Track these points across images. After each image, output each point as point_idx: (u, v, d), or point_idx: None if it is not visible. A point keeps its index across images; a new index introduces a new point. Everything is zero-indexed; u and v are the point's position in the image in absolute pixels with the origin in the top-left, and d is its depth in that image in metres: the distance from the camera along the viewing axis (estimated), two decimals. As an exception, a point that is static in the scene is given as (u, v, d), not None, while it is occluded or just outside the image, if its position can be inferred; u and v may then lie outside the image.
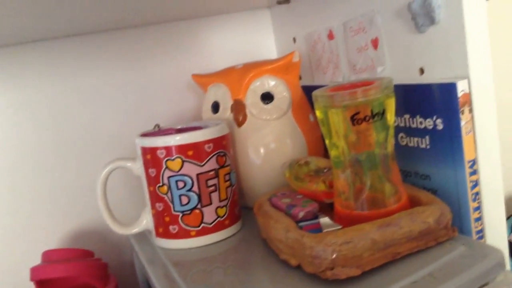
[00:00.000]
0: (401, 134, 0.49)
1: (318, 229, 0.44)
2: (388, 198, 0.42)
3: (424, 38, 0.46)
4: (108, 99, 0.66)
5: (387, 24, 0.51)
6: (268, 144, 0.57)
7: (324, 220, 0.45)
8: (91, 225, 0.67)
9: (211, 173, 0.50)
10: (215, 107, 0.60)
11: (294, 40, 0.69)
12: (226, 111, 0.58)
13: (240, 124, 0.57)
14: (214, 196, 0.51)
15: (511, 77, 0.89)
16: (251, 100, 0.57)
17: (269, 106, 0.57)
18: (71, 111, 0.65)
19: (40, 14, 0.39)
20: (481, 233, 0.44)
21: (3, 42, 0.56)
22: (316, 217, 0.46)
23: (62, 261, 0.55)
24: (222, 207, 0.51)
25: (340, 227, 0.43)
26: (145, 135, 0.52)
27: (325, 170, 0.50)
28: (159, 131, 0.54)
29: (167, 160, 0.49)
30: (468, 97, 0.42)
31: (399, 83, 0.47)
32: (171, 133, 0.53)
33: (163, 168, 0.50)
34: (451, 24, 0.43)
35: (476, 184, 0.44)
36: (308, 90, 0.64)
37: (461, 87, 0.42)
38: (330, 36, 0.60)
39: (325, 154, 0.59)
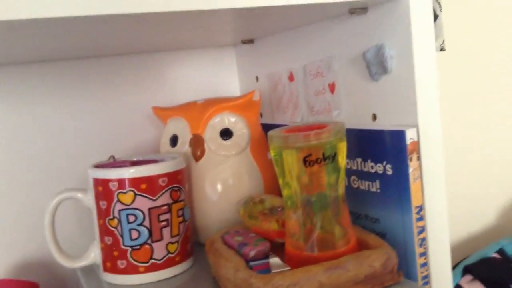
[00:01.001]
0: (353, 177, 0.50)
1: (267, 269, 0.43)
2: (338, 240, 0.43)
3: (377, 86, 0.48)
4: (64, 128, 0.65)
5: (343, 70, 0.52)
6: (225, 180, 0.57)
7: (274, 260, 0.45)
8: (37, 255, 0.64)
9: (164, 207, 0.50)
10: (174, 141, 0.60)
11: (257, 78, 0.70)
12: (184, 145, 0.58)
13: (197, 158, 0.57)
14: (166, 231, 0.50)
15: (461, 125, 0.93)
16: (210, 135, 0.58)
17: (228, 142, 0.58)
18: (24, 137, 0.63)
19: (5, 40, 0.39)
20: (426, 279, 0.45)
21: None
22: (266, 256, 0.46)
23: (2, 294, 0.52)
24: (174, 243, 0.51)
25: (289, 268, 0.43)
26: (98, 166, 0.52)
27: (279, 209, 0.51)
28: (113, 163, 0.53)
29: (119, 193, 0.49)
30: (416, 145, 0.44)
31: (353, 128, 0.49)
32: (125, 165, 0.52)
33: (115, 201, 0.49)
34: (402, 74, 0.45)
35: (422, 230, 0.45)
36: (268, 128, 0.64)
37: (410, 135, 0.43)
38: (291, 78, 0.62)
39: (281, 192, 0.60)
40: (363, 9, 0.47)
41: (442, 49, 0.81)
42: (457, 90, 0.91)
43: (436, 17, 0.80)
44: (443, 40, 0.81)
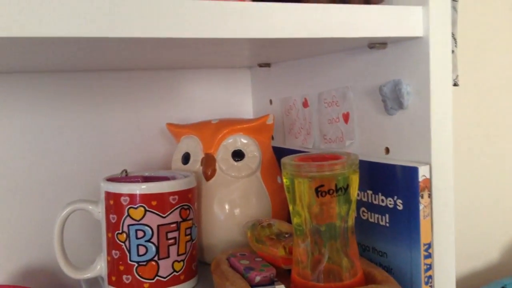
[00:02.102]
0: (362, 209, 0.50)
1: (272, 296, 0.44)
2: (345, 272, 0.43)
3: (392, 120, 0.49)
4: (78, 139, 0.66)
5: (359, 102, 0.53)
6: (234, 201, 0.57)
7: (280, 287, 0.45)
8: (42, 263, 0.64)
9: (173, 225, 0.50)
10: (186, 158, 0.60)
11: (271, 101, 0.71)
12: (196, 164, 0.59)
13: (208, 178, 0.57)
14: (173, 249, 0.50)
15: (468, 163, 0.93)
16: (222, 155, 0.58)
17: (239, 163, 0.58)
18: (38, 146, 0.64)
19: (23, 52, 0.40)
20: (430, 316, 0.45)
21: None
22: (272, 282, 0.46)
23: (5, 300, 0.53)
24: (180, 261, 0.51)
25: (294, 296, 0.43)
26: (111, 179, 0.52)
27: (286, 235, 0.51)
28: (125, 177, 0.54)
29: (129, 208, 0.49)
30: (428, 182, 0.44)
31: (365, 159, 0.49)
32: (137, 181, 0.53)
33: (125, 215, 0.49)
34: (418, 110, 0.46)
35: (430, 267, 0.45)
36: (278, 152, 0.65)
37: (422, 172, 0.44)
38: (305, 104, 0.62)
39: (289, 217, 0.60)
40: (383, 44, 0.48)
41: (455, 84, 0.82)
42: (466, 126, 0.91)
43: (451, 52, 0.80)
44: (457, 75, 0.82)
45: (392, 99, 0.47)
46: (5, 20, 0.31)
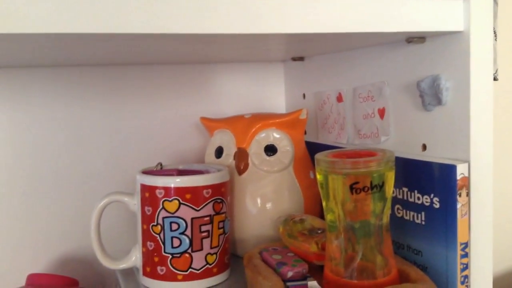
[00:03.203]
0: (397, 206, 0.49)
1: (305, 291, 0.44)
2: (379, 269, 0.43)
3: (430, 116, 0.47)
4: (114, 131, 0.67)
5: (395, 97, 0.52)
6: (266, 195, 0.57)
7: (312, 283, 0.45)
8: (79, 253, 0.66)
9: (206, 218, 0.51)
10: (219, 152, 0.61)
11: (304, 96, 0.70)
12: (229, 158, 0.59)
13: (241, 172, 0.58)
14: (206, 242, 0.51)
15: (507, 160, 0.90)
16: (255, 150, 0.58)
17: (272, 158, 0.58)
18: (76, 138, 0.66)
19: (67, 47, 0.41)
20: (466, 317, 0.44)
21: (11, 63, 0.58)
22: (304, 278, 0.46)
23: (46, 287, 0.54)
24: (212, 254, 0.51)
25: (327, 292, 0.43)
26: (146, 172, 0.53)
27: (319, 231, 0.51)
28: (160, 170, 0.55)
29: (164, 201, 0.50)
30: (466, 180, 0.43)
31: (401, 156, 0.48)
32: (172, 174, 0.54)
33: (160, 208, 0.50)
34: (457, 107, 0.45)
35: (466, 267, 0.44)
36: (311, 147, 0.65)
37: (461, 170, 0.43)
38: (339, 98, 0.62)
39: (321, 213, 0.60)
40: (421, 39, 0.47)
41: (495, 79, 0.79)
42: (507, 121, 0.89)
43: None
44: (496, 70, 0.79)
45: (430, 95, 0.46)
46: (46, 16, 0.32)
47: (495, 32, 0.78)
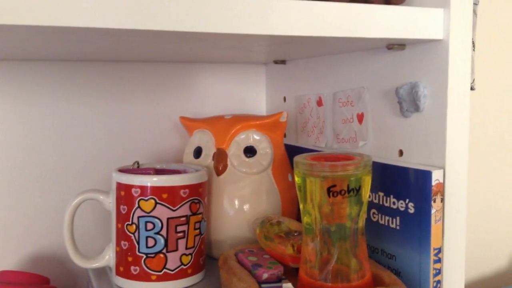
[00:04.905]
0: (373, 210, 0.50)
1: (279, 294, 0.43)
2: (353, 273, 0.43)
3: (407, 122, 0.48)
4: (91, 128, 0.66)
5: (374, 102, 0.53)
6: (244, 197, 0.57)
7: (287, 285, 0.45)
8: (52, 250, 0.65)
9: (182, 219, 0.50)
10: (198, 152, 0.60)
11: (285, 99, 0.70)
12: (207, 158, 0.59)
13: (219, 173, 0.57)
14: (181, 242, 0.50)
15: (486, 167, 0.92)
16: (234, 151, 0.58)
17: (251, 160, 0.58)
18: (51, 134, 0.64)
19: (44, 40, 0.40)
20: (438, 321, 0.45)
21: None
22: (279, 280, 0.46)
23: (17, 285, 0.53)
24: (188, 255, 0.51)
25: (301, 295, 0.43)
26: (122, 170, 0.52)
27: (295, 234, 0.51)
28: (137, 169, 0.54)
29: (140, 200, 0.49)
30: (441, 187, 0.44)
31: (378, 161, 0.49)
32: (149, 173, 0.53)
33: (135, 207, 0.49)
34: (434, 114, 0.45)
35: (439, 272, 0.44)
36: (290, 150, 0.65)
37: (436, 177, 0.43)
38: (319, 102, 0.62)
39: (299, 215, 0.60)
40: (401, 46, 0.48)
41: (472, 88, 0.81)
42: (480, 131, 0.90)
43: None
44: (474, 79, 0.81)
45: (408, 102, 0.47)
46: (26, 8, 0.31)
47: (473, 43, 0.79)
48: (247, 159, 0.58)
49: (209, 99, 0.72)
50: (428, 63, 0.46)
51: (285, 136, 0.72)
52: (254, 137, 0.59)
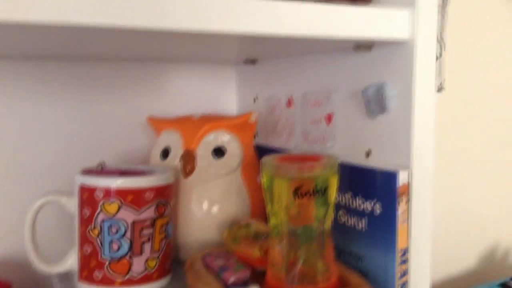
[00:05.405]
0: (341, 211, 0.50)
1: (245, 297, 0.43)
2: (319, 275, 0.42)
3: (374, 123, 0.48)
4: (55, 128, 0.64)
5: (342, 103, 0.52)
6: (212, 199, 0.56)
7: (253, 288, 0.44)
8: (14, 255, 0.63)
9: (148, 222, 0.49)
10: (165, 153, 0.59)
11: (255, 99, 0.70)
12: (175, 159, 0.58)
13: (187, 174, 0.56)
14: (147, 246, 0.49)
15: (453, 168, 0.93)
16: (202, 152, 0.57)
17: (220, 161, 0.57)
18: (13, 134, 0.62)
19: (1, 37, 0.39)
20: (404, 322, 0.45)
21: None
22: (246, 283, 0.45)
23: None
24: (153, 259, 0.50)
25: (267, 298, 0.42)
26: (86, 172, 0.51)
27: (264, 236, 0.50)
28: (102, 171, 0.53)
29: (104, 202, 0.48)
30: (407, 188, 0.44)
31: (346, 162, 0.49)
32: (113, 174, 0.52)
33: (98, 210, 0.48)
34: (400, 115, 0.45)
35: (405, 273, 0.44)
36: (261, 150, 0.64)
37: (402, 177, 0.43)
38: (289, 103, 0.62)
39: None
40: (368, 47, 0.48)
41: (441, 89, 0.82)
42: (448, 131, 0.92)
43: (438, 57, 0.81)
44: (444, 80, 0.82)
45: (375, 102, 0.47)
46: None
47: (444, 43, 0.80)
48: (216, 160, 0.57)
49: (179, 99, 0.71)
50: (394, 64, 0.46)
51: (256, 136, 0.71)
52: (223, 138, 0.58)
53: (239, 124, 0.59)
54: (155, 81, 0.69)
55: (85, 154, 0.66)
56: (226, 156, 0.58)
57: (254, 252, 0.47)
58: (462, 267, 0.96)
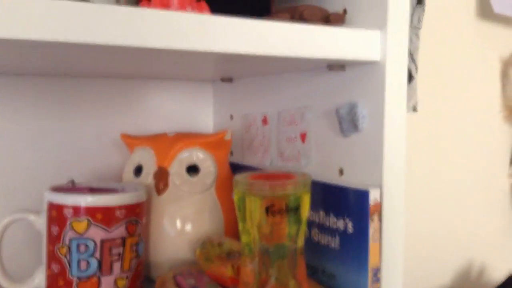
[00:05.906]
0: (314, 230, 0.50)
1: (216, 318, 0.42)
2: (291, 294, 0.42)
3: (347, 142, 0.48)
4: (25, 145, 0.63)
5: (316, 122, 0.53)
6: (186, 217, 0.55)
7: (224, 308, 0.43)
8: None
9: (118, 241, 0.48)
10: (138, 171, 0.58)
11: (231, 117, 0.70)
12: (148, 176, 0.57)
13: (160, 192, 0.56)
14: (116, 265, 0.48)
15: (427, 188, 0.94)
16: (176, 169, 0.57)
17: (194, 179, 0.57)
18: (-15, 149, 0.61)
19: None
20: None
21: None
22: (217, 303, 0.44)
23: None
24: (123, 278, 0.49)
25: (238, 319, 0.42)
26: (56, 189, 0.50)
27: (236, 255, 0.50)
28: (71, 188, 0.52)
29: (73, 221, 0.47)
30: (379, 206, 0.44)
31: (319, 180, 0.49)
32: (83, 192, 0.51)
33: (67, 228, 0.47)
34: (372, 134, 0.46)
35: (377, 292, 0.44)
36: (236, 168, 0.64)
37: (374, 196, 0.44)
38: (264, 121, 0.62)
39: (241, 236, 0.59)
40: (341, 67, 0.48)
41: (414, 110, 0.83)
42: (421, 152, 0.93)
43: (411, 78, 0.82)
44: (416, 101, 0.83)
45: (347, 121, 0.47)
46: None
47: (416, 65, 0.82)
48: (190, 178, 0.57)
49: (155, 117, 0.71)
50: (366, 84, 0.46)
51: (232, 154, 0.71)
52: (198, 156, 0.58)
53: (213, 142, 0.59)
54: (131, 97, 0.69)
55: (57, 171, 0.64)
56: (200, 173, 0.57)
57: (227, 271, 0.47)
58: (438, 284, 0.96)
